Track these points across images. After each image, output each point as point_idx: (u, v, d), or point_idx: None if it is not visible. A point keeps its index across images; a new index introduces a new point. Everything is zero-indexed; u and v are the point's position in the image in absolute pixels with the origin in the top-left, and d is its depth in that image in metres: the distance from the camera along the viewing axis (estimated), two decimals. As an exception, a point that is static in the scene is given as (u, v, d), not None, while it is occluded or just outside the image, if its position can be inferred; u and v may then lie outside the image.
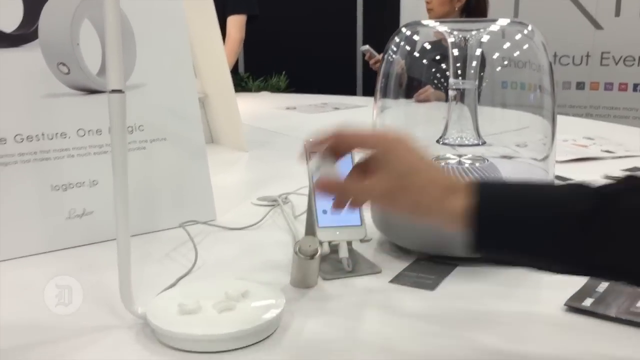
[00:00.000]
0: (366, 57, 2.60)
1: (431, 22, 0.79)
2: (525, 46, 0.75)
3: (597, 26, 2.86)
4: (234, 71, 3.98)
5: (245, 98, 2.53)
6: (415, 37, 0.80)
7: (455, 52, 0.77)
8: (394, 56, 0.83)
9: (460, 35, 0.77)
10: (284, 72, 4.31)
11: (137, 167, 0.86)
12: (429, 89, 0.85)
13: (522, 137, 0.78)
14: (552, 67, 0.76)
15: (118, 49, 0.57)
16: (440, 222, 0.49)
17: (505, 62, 0.75)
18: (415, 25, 0.82)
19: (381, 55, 2.52)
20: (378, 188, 0.51)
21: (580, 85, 2.94)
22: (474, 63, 0.77)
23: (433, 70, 0.80)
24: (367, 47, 2.58)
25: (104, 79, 0.68)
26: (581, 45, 2.89)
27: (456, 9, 2.51)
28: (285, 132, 1.68)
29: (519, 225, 0.46)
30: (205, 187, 0.93)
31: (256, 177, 1.24)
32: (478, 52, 0.75)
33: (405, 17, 3.08)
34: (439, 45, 0.79)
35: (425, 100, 0.87)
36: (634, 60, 2.82)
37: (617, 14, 2.82)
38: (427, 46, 0.79)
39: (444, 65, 0.78)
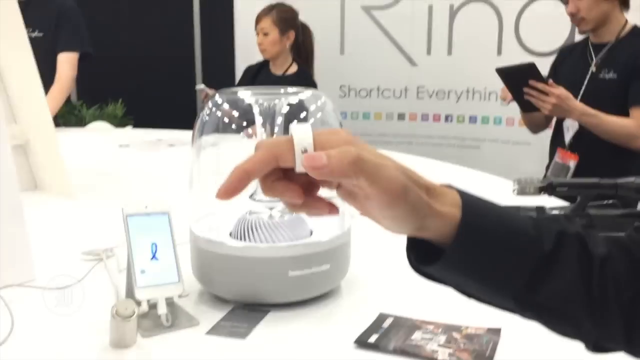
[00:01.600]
0: (202, 97, 2.65)
1: (241, 92, 0.88)
2: (319, 114, 0.86)
3: (412, 63, 3.19)
4: (66, 100, 3.80)
5: (76, 134, 2.45)
6: (225, 106, 0.88)
7: (261, 119, 0.86)
8: (207, 118, 0.90)
9: (265, 104, 0.87)
10: (120, 100, 4.20)
11: (-54, 234, 0.84)
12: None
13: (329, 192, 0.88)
14: (340, 126, 0.88)
15: None
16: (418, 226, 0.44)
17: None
18: (228, 94, 0.90)
19: (214, 92, 2.58)
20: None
21: (401, 116, 3.24)
22: (278, 127, 0.87)
23: (243, 133, 0.88)
24: (202, 86, 2.64)
25: None
26: (400, 79, 3.19)
27: (287, 47, 2.67)
28: (115, 175, 1.68)
29: (491, 247, 0.46)
30: (22, 246, 0.93)
31: (82, 228, 1.24)
32: (279, 119, 0.85)
33: (240, 53, 3.19)
34: (249, 110, 0.88)
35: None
36: (445, 94, 3.18)
37: (429, 52, 3.16)
38: (237, 113, 0.87)
39: (250, 130, 0.87)
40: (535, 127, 2.16)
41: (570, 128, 1.94)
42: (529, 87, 1.78)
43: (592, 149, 1.86)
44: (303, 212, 0.46)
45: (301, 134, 0.42)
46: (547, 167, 2.05)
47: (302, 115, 0.86)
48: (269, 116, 0.86)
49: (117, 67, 4.03)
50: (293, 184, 0.44)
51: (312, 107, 0.87)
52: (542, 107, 1.79)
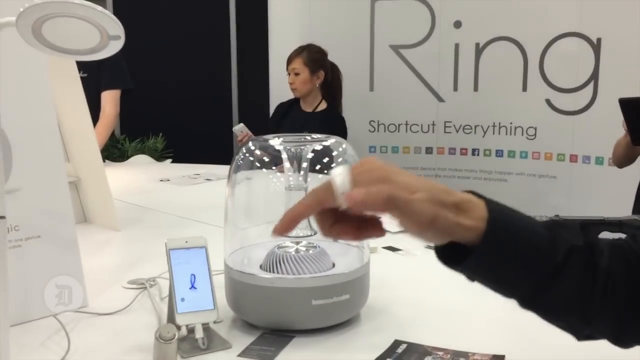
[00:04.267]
0: (241, 137, 2.78)
1: (272, 139, 0.98)
2: (340, 159, 0.96)
3: (440, 99, 3.28)
4: (110, 136, 3.99)
5: (119, 169, 2.60)
6: (258, 152, 0.99)
7: (289, 164, 0.96)
8: (240, 162, 1.01)
9: (293, 150, 0.97)
10: (160, 134, 4.40)
11: (12, 264, 0.96)
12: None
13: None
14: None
15: (1, 182, 0.70)
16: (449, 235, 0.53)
17: (326, 170, 0.96)
18: (259, 141, 1.01)
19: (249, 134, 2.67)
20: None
21: (429, 150, 3.33)
22: (302, 171, 0.97)
23: (272, 176, 0.99)
24: (241, 125, 2.77)
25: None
26: (427, 115, 3.29)
27: (317, 85, 2.80)
28: (157, 208, 1.80)
29: (507, 259, 0.54)
30: (77, 277, 1.04)
31: (127, 258, 1.35)
32: (305, 164, 0.96)
33: (273, 92, 3.33)
34: (278, 156, 0.99)
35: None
36: (471, 128, 3.25)
37: (455, 89, 3.25)
38: (267, 158, 0.98)
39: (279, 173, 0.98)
40: (626, 162, 2.18)
41: None
42: None
43: None
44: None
45: (340, 178, 0.51)
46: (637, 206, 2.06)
47: (325, 160, 0.96)
48: (296, 161, 0.97)
49: (158, 104, 4.23)
50: (347, 226, 0.54)
51: (334, 153, 0.97)
52: None
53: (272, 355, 0.87)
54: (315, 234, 1.00)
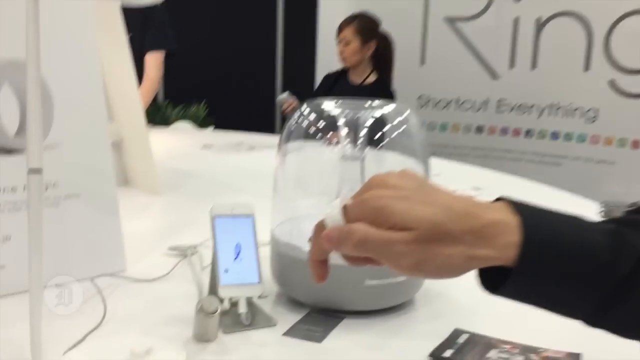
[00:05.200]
0: (286, 106, 2.71)
1: (327, 104, 0.90)
2: (403, 127, 0.88)
3: (494, 76, 3.13)
4: (152, 101, 3.99)
5: (162, 134, 2.56)
6: (311, 118, 0.91)
7: (346, 130, 0.88)
8: (293, 129, 0.93)
9: (351, 115, 0.89)
10: (204, 101, 4.37)
11: (50, 223, 0.91)
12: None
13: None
14: (425, 141, 0.90)
15: (38, 133, 0.64)
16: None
17: (387, 139, 0.87)
18: (314, 105, 0.93)
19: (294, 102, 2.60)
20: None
21: (479, 129, 3.19)
22: (362, 138, 0.89)
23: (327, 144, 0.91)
24: (286, 94, 2.69)
25: (21, 139, 0.73)
26: (480, 92, 3.14)
27: (367, 56, 2.69)
28: (199, 174, 1.75)
29: (560, 277, 0.45)
30: (116, 239, 0.99)
31: (168, 224, 1.30)
32: (364, 131, 0.87)
33: (321, 61, 3.23)
34: (334, 121, 0.90)
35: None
36: (526, 108, 3.10)
37: (512, 65, 3.10)
38: (321, 125, 0.90)
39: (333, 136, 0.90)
40: None
41: None
42: None
43: None
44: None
45: (331, 214, 0.47)
46: None
47: (386, 128, 0.87)
48: (353, 128, 0.89)
49: (202, 70, 4.19)
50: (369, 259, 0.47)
51: (395, 121, 0.88)
52: None
53: (320, 337, 0.80)
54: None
